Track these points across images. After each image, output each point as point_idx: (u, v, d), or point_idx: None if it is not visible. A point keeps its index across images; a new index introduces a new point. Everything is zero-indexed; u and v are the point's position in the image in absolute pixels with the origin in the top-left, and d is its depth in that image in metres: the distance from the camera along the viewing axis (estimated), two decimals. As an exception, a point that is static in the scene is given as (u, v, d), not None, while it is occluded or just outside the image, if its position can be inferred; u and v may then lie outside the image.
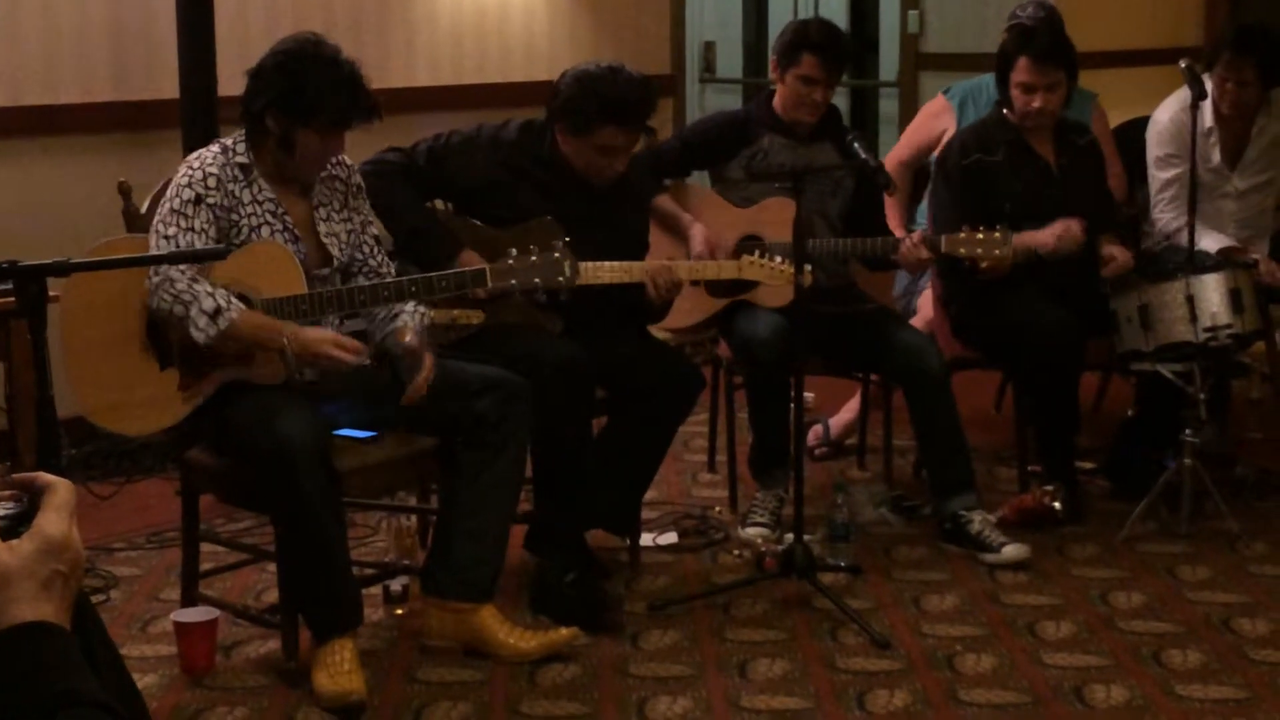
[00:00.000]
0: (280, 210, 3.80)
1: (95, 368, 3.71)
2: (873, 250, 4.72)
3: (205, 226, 3.70)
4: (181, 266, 3.62)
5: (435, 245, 4.16)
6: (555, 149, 4.32)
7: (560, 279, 3.83)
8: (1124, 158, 5.51)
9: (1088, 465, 5.20)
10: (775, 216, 4.67)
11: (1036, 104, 4.87)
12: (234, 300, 3.64)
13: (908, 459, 5.32)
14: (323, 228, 3.86)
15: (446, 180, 4.32)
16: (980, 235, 4.55)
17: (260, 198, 3.79)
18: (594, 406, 4.29)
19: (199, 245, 3.66)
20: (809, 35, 4.79)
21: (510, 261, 3.82)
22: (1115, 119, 5.74)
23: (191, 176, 3.73)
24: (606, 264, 4.24)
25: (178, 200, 3.71)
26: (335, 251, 3.86)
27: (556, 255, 3.82)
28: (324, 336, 3.70)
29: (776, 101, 4.86)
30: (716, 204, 4.89)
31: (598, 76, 4.25)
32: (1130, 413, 5.25)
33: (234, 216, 3.74)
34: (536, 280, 3.82)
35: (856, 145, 4.64)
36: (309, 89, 3.71)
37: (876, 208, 4.98)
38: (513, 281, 3.82)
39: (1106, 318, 4.82)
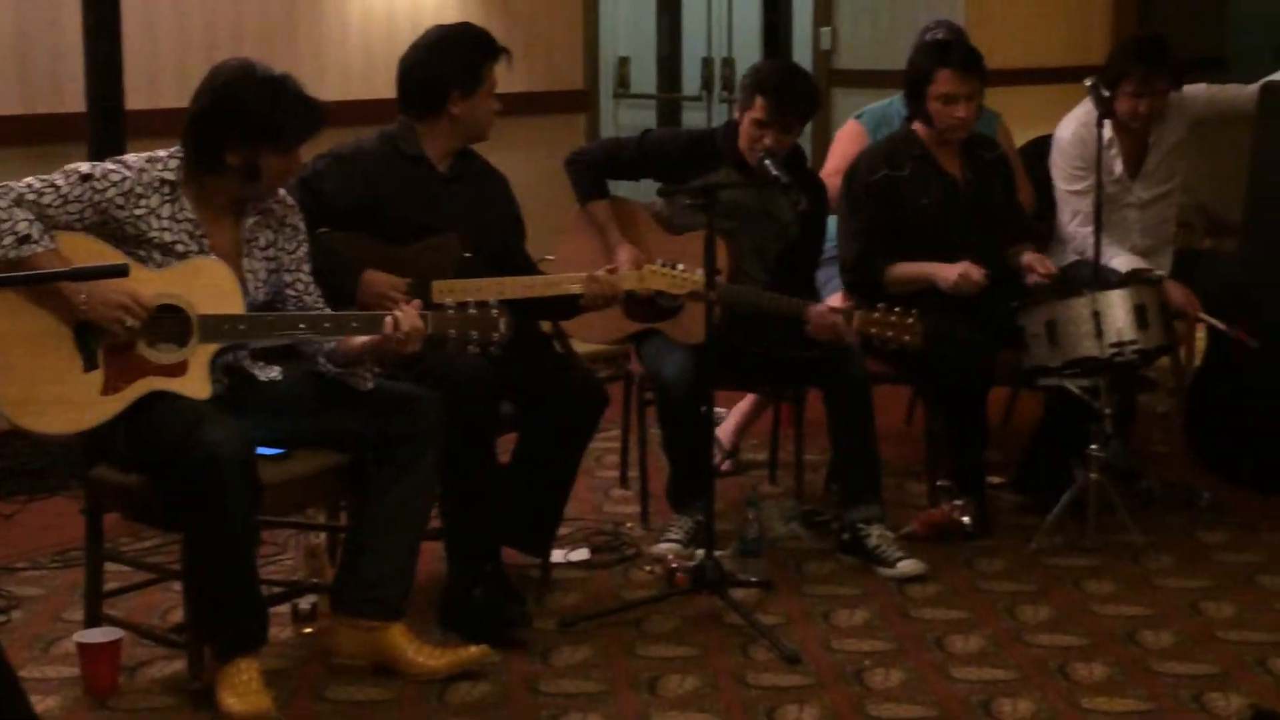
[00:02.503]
0: (199, 233, 3.75)
1: (14, 360, 3.63)
2: (784, 309, 4.62)
3: (76, 197, 3.63)
4: (11, 192, 3.57)
5: (334, 274, 4.11)
6: (422, 145, 4.34)
7: (495, 334, 3.82)
8: (1030, 175, 5.56)
9: (996, 479, 5.24)
10: (701, 249, 4.54)
11: (961, 113, 4.92)
12: (48, 238, 3.58)
13: (819, 474, 5.35)
14: (245, 263, 3.82)
15: (325, 205, 4.25)
16: (893, 318, 4.47)
17: (180, 216, 3.74)
18: (499, 422, 4.28)
19: (55, 209, 3.61)
20: (763, 77, 4.72)
21: (449, 312, 3.80)
22: (1022, 137, 5.80)
23: (97, 164, 3.71)
24: (540, 279, 4.23)
25: (68, 168, 3.67)
26: (251, 289, 3.81)
27: (494, 311, 3.81)
28: (116, 291, 3.59)
29: (739, 136, 4.79)
30: (648, 226, 4.89)
31: (447, 35, 4.39)
32: (1038, 427, 5.30)
33: (142, 226, 3.69)
34: (474, 334, 3.81)
35: (768, 163, 4.65)
36: (266, 115, 3.69)
37: (808, 265, 4.96)
38: (450, 332, 3.80)
39: (1015, 333, 4.86)
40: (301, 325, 3.78)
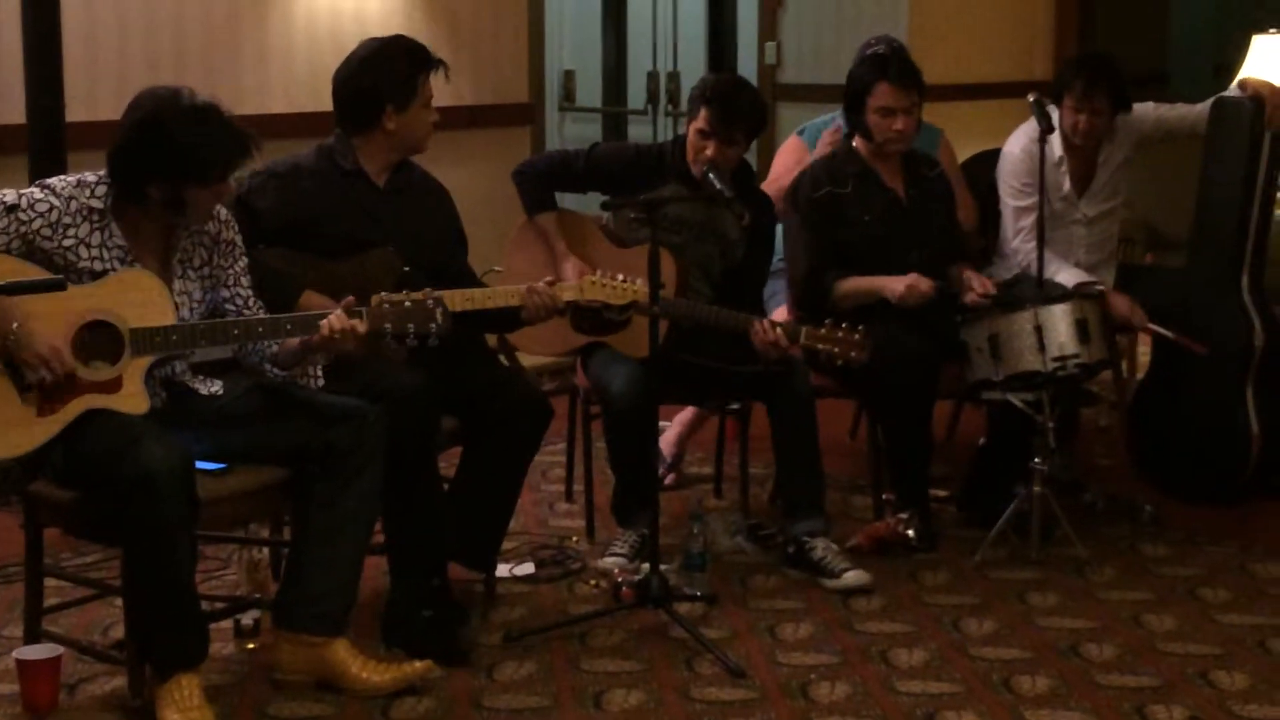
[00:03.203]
0: (130, 259, 3.72)
1: None
2: (728, 324, 4.60)
3: (2, 229, 3.59)
4: None
5: (273, 294, 4.09)
6: (359, 159, 4.33)
7: (433, 325, 3.80)
8: (974, 190, 5.60)
9: (941, 493, 5.26)
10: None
11: (899, 125, 4.95)
12: None
13: (765, 488, 5.35)
14: (177, 285, 3.79)
15: (260, 222, 4.23)
16: (840, 333, 4.47)
17: (110, 243, 3.70)
18: (441, 436, 4.26)
19: None
20: (706, 89, 4.74)
21: (385, 305, 3.79)
22: (964, 152, 5.83)
23: (24, 193, 3.66)
24: (478, 291, 4.21)
25: None
26: (186, 312, 3.78)
27: (429, 302, 3.80)
28: (43, 343, 3.55)
29: (687, 149, 4.81)
30: (595, 239, 4.88)
31: (379, 49, 4.35)
32: (981, 441, 5.32)
33: (70, 256, 3.65)
34: (410, 326, 3.79)
35: (712, 176, 4.66)
36: (191, 150, 3.62)
37: (754, 281, 4.97)
38: (386, 326, 3.78)
39: (959, 347, 4.88)
40: (235, 331, 3.76)
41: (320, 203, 4.27)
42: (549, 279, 4.32)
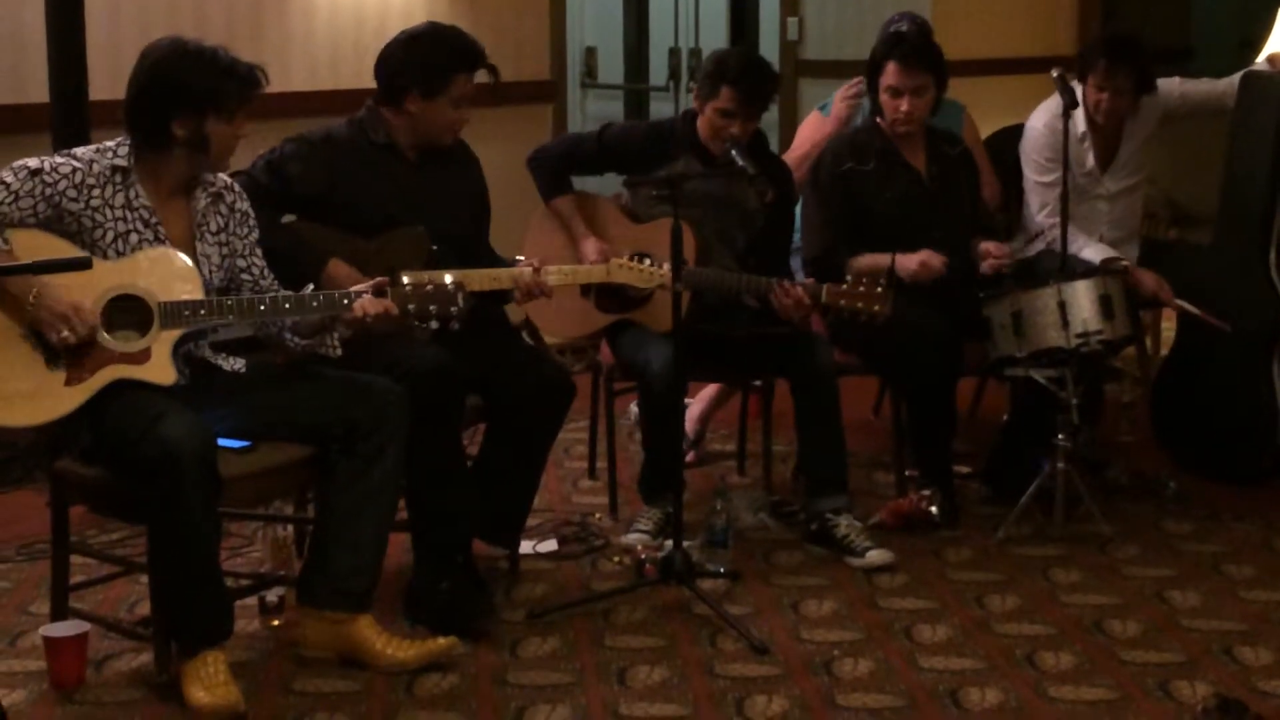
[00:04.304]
0: (154, 220, 3.75)
1: None
2: (749, 287, 4.64)
3: (28, 192, 3.64)
4: None
5: (299, 263, 4.10)
6: (391, 132, 4.33)
7: (454, 309, 3.82)
8: (998, 167, 5.58)
9: (964, 470, 5.26)
10: (668, 235, 4.56)
11: (904, 107, 4.93)
12: (1, 239, 3.59)
13: (787, 464, 5.35)
14: (199, 247, 3.82)
15: (291, 189, 4.27)
16: (862, 288, 4.48)
17: (135, 204, 3.74)
18: (464, 414, 4.27)
19: (7, 206, 3.61)
20: (727, 68, 4.72)
21: (406, 287, 3.80)
22: (988, 128, 5.81)
23: (45, 159, 3.71)
24: (474, 273, 4.22)
25: (15, 165, 3.67)
26: (206, 273, 3.81)
27: (450, 286, 3.81)
28: (63, 302, 3.60)
29: (699, 125, 4.81)
30: (613, 218, 4.89)
31: (428, 33, 4.35)
32: (1005, 418, 5.32)
33: (98, 218, 3.69)
34: (432, 308, 3.81)
35: (735, 153, 4.65)
36: (202, 80, 3.72)
37: (780, 248, 4.97)
38: (410, 307, 3.80)
39: (981, 324, 4.87)
40: (262, 307, 3.78)
41: (351, 173, 4.28)
42: (535, 264, 4.31)
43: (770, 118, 6.51)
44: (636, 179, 4.68)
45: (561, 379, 4.44)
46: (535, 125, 6.96)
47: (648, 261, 4.43)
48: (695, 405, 5.65)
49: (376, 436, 3.84)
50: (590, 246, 4.76)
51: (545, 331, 5.04)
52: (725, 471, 5.45)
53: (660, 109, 8.52)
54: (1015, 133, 5.57)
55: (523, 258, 4.71)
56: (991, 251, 4.96)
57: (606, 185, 5.14)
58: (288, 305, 3.80)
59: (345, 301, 3.80)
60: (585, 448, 5.44)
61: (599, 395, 5.15)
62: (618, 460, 5.08)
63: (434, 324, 3.84)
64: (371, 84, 4.41)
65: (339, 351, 3.92)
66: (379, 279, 3.84)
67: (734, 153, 4.65)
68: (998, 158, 5.63)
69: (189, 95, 3.72)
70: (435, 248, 4.19)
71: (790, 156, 5.43)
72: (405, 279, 3.83)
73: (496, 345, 4.40)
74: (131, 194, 3.74)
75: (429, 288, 3.82)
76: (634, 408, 5.36)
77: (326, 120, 4.46)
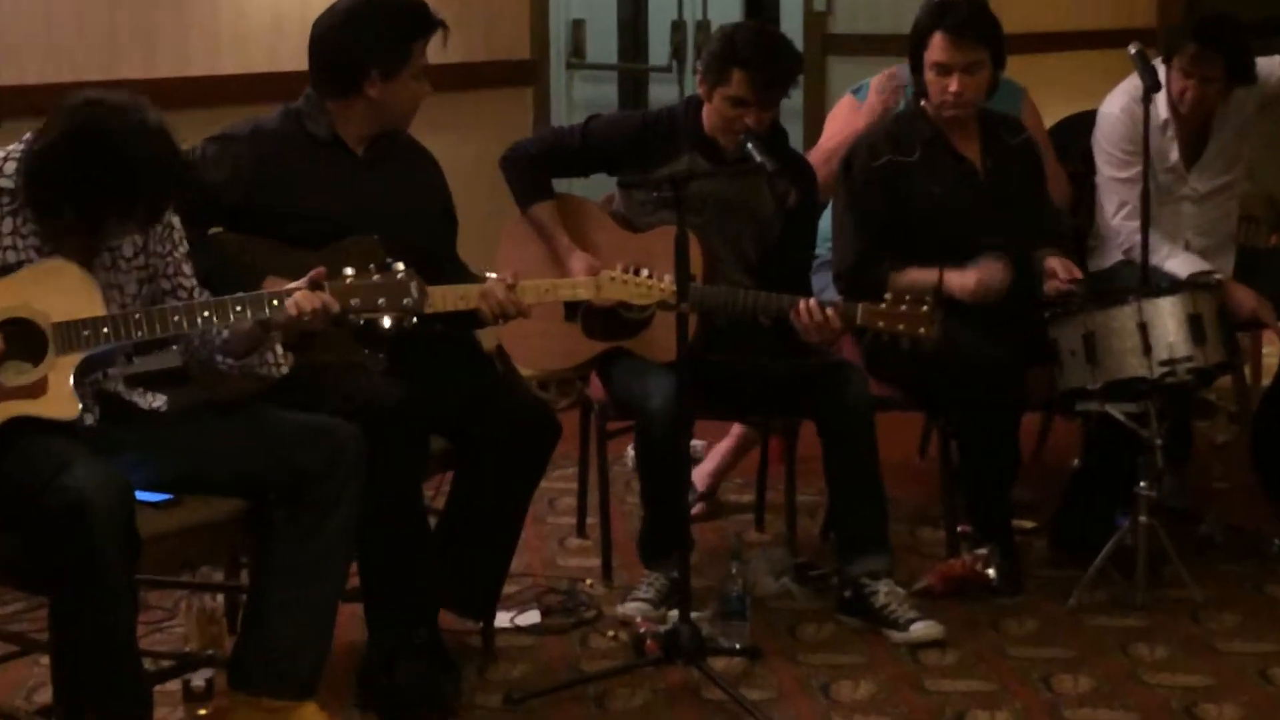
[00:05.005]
0: (47, 249, 3.73)
1: None
2: (766, 306, 4.63)
3: None
4: None
5: (228, 285, 4.09)
6: (334, 124, 4.35)
7: (406, 300, 3.82)
8: (1064, 160, 5.59)
9: (1027, 524, 5.27)
10: (669, 246, 4.38)
11: (954, 87, 4.93)
12: None
13: (815, 519, 5.36)
14: (104, 277, 3.80)
15: (214, 200, 4.25)
16: (904, 307, 4.46)
17: (24, 230, 3.72)
18: (428, 460, 4.28)
19: None
20: (737, 47, 4.72)
21: (348, 280, 3.80)
22: (1052, 114, 5.83)
23: None
24: (439, 290, 4.22)
25: None
26: (115, 308, 3.78)
27: (401, 275, 3.81)
28: None
29: (705, 115, 4.83)
30: (604, 226, 4.89)
31: (364, 2, 4.34)
32: (1076, 462, 5.32)
33: None
34: (380, 301, 3.81)
35: (751, 147, 4.66)
36: (119, 187, 3.63)
37: (801, 261, 4.99)
38: (354, 301, 3.79)
39: (1047, 348, 4.88)
40: (176, 318, 3.75)
41: (287, 174, 4.29)
42: (509, 279, 4.30)
43: (792, 105, 6.53)
44: (632, 179, 4.67)
45: (543, 417, 4.44)
46: (512, 113, 6.98)
47: (645, 274, 4.43)
48: (709, 461, 5.65)
49: (326, 487, 3.83)
50: (577, 262, 4.77)
51: (522, 364, 5.03)
52: (741, 527, 5.46)
53: (661, 94, 8.52)
54: (1085, 120, 5.58)
55: (494, 275, 4.71)
56: (1058, 272, 4.96)
57: (595, 188, 5.14)
58: (206, 314, 3.77)
59: (275, 303, 3.77)
60: (573, 500, 5.45)
61: (589, 436, 5.16)
62: (612, 515, 5.08)
63: (386, 321, 3.82)
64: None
65: (284, 369, 3.89)
66: (316, 269, 3.82)
67: (750, 147, 4.65)
68: (1064, 150, 5.64)
69: (94, 195, 3.62)
70: (390, 261, 4.20)
71: (819, 151, 5.44)
72: (347, 270, 3.82)
73: (466, 378, 4.41)
74: (19, 219, 3.71)
75: (375, 278, 3.81)
76: (631, 451, 5.36)
77: (258, 111, 4.46)
